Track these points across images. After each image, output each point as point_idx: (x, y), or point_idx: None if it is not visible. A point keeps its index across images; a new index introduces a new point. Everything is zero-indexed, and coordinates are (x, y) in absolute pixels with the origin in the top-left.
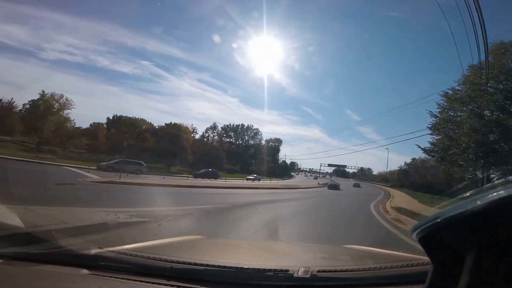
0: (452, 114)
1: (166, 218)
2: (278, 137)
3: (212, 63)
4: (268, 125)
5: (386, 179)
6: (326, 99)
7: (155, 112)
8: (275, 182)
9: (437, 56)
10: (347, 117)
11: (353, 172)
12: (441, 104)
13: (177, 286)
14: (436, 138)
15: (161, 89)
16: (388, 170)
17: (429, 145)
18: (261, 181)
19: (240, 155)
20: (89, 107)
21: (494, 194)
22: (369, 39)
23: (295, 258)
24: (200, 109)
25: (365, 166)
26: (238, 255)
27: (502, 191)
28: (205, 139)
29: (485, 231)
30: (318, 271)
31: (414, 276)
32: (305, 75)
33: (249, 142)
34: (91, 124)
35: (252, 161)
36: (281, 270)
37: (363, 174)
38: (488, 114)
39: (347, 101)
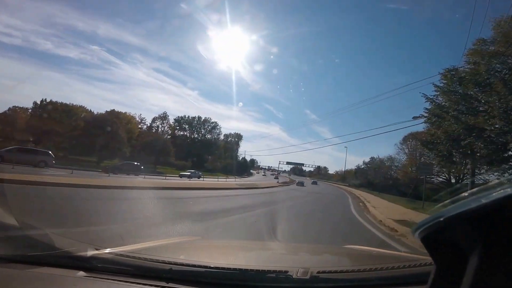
0: (456, 96)
1: None
2: (238, 132)
3: (171, 52)
4: (229, 121)
5: (343, 178)
6: (288, 97)
7: (103, 102)
8: (231, 180)
9: (399, 55)
10: (306, 117)
11: (310, 171)
12: (441, 88)
13: None
14: (433, 127)
15: (111, 77)
16: (345, 169)
17: (413, 139)
18: (201, 178)
19: (195, 149)
20: (25, 93)
21: (500, 191)
22: (330, 37)
23: (294, 258)
24: (155, 100)
25: (322, 165)
26: (237, 256)
27: (508, 189)
28: (153, 130)
29: (490, 230)
30: (318, 272)
31: (416, 276)
32: (269, 71)
33: (206, 136)
34: (9, 108)
35: (208, 157)
36: (280, 271)
37: (320, 173)
38: None
39: (307, 100)
